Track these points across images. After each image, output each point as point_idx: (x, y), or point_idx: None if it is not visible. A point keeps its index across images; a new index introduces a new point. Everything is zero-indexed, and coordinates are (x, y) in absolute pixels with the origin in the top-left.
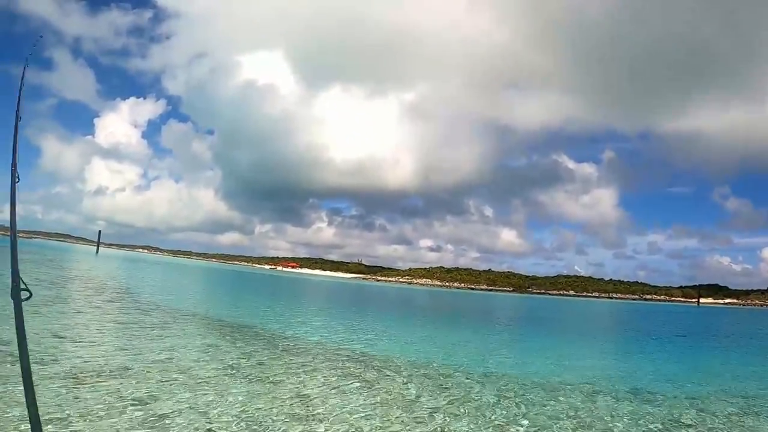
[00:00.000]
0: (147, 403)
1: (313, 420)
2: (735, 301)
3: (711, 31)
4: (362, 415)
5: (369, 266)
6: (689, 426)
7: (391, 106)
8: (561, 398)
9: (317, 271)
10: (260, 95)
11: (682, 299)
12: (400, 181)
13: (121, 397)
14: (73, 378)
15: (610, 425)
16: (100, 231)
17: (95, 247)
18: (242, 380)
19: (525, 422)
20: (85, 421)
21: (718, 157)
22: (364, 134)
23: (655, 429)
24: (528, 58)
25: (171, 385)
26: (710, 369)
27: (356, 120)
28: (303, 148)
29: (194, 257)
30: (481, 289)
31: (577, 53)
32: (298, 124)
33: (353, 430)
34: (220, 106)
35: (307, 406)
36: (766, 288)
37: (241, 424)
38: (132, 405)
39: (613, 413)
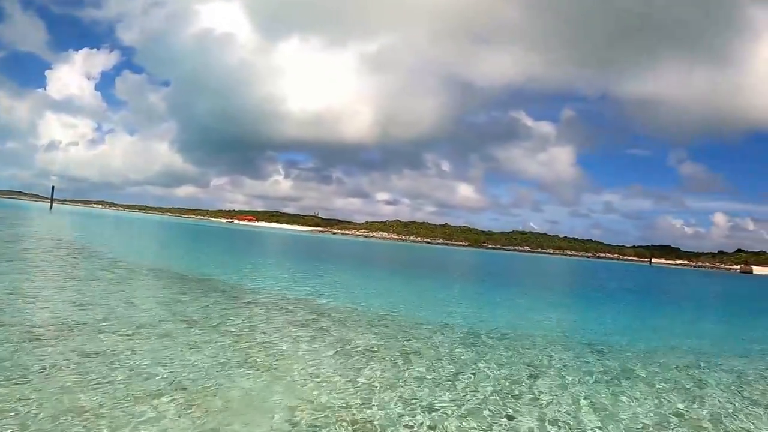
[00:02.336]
0: (108, 358)
1: (273, 370)
2: (686, 262)
3: None
4: (320, 365)
5: (326, 219)
6: (640, 377)
7: (351, 57)
8: (516, 349)
9: (274, 224)
10: (217, 45)
11: (634, 258)
12: (358, 134)
13: (80, 352)
14: (31, 335)
15: (563, 375)
16: (53, 187)
17: (49, 204)
18: (203, 332)
19: (478, 369)
20: (44, 377)
21: (677, 121)
22: (323, 86)
23: (607, 379)
24: (493, 12)
25: (131, 339)
26: (662, 325)
27: (315, 71)
28: (260, 100)
29: (150, 211)
30: (438, 243)
31: (544, 11)
32: (255, 75)
33: (311, 379)
34: (175, 57)
35: (267, 357)
36: (716, 251)
37: (203, 375)
38: (92, 360)
39: (566, 364)
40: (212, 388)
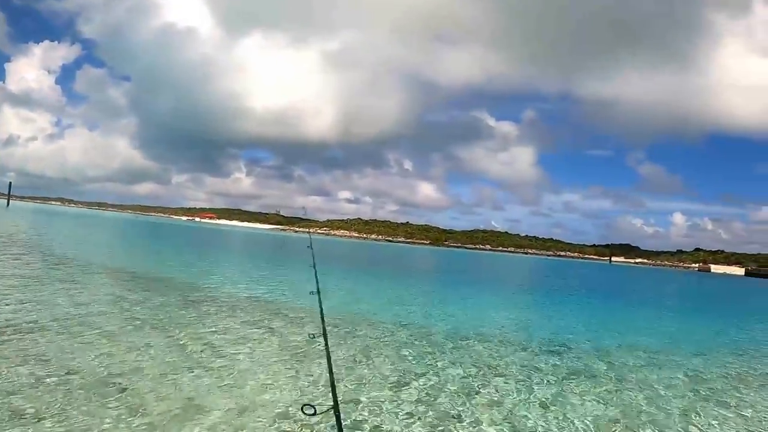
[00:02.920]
0: (52, 359)
1: (220, 370)
2: (645, 261)
3: None
4: (268, 366)
5: (287, 217)
6: (595, 376)
7: (314, 54)
8: (471, 347)
9: (235, 222)
10: (179, 40)
11: (594, 257)
12: (320, 132)
13: (25, 353)
14: None
15: (518, 374)
16: (10, 183)
17: (5, 200)
18: (151, 332)
19: (431, 369)
20: None
21: (637, 122)
22: (286, 83)
23: (561, 380)
24: (457, 10)
25: (78, 339)
26: (620, 323)
27: (278, 68)
28: (223, 96)
29: (110, 209)
30: (399, 242)
31: (507, 10)
32: (218, 71)
33: (260, 380)
34: (137, 51)
35: (216, 358)
36: (675, 250)
37: (148, 377)
38: (36, 361)
39: (522, 363)
40: (156, 389)
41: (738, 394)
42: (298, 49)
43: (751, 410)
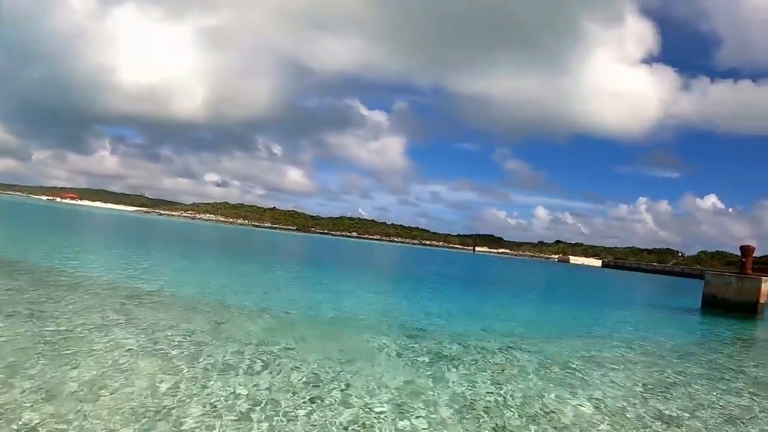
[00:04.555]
0: None
1: (75, 358)
2: (508, 251)
3: None
4: (128, 352)
5: (152, 199)
6: (452, 359)
7: (188, 30)
8: (329, 332)
9: (98, 204)
10: (46, 5)
11: (459, 246)
12: (190, 111)
13: None
14: None
15: (376, 357)
16: None
17: None
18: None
19: (289, 355)
20: None
21: (506, 120)
22: (157, 58)
23: (421, 362)
24: None
25: None
26: (478, 310)
27: (150, 42)
28: (90, 69)
29: None
30: (266, 227)
31: (385, 2)
32: (85, 42)
33: (118, 367)
34: (1, 15)
35: (71, 345)
36: (537, 242)
37: None
38: None
39: (381, 346)
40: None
41: (588, 375)
42: (173, 23)
43: (599, 390)
